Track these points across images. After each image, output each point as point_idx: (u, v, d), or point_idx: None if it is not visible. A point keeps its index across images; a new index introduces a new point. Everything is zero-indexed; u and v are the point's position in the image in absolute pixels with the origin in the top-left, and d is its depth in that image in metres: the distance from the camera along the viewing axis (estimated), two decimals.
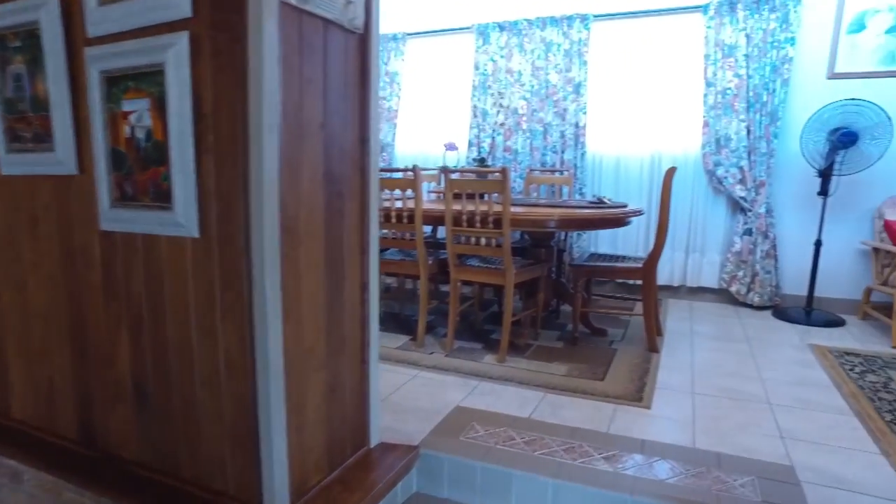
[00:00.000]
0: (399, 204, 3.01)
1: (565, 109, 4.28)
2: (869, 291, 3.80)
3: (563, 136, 4.32)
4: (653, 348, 3.01)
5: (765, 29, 3.75)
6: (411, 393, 2.48)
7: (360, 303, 1.79)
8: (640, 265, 3.00)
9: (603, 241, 4.46)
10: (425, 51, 4.85)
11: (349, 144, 1.66)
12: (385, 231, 3.08)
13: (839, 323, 3.72)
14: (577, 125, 4.26)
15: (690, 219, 4.17)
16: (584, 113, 4.23)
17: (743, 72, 3.81)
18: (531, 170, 4.29)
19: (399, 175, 3.35)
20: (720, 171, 3.96)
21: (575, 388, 2.53)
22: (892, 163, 3.76)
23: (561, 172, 4.27)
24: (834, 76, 3.81)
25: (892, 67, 3.71)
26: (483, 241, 2.79)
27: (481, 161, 3.71)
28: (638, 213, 2.97)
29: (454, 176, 2.90)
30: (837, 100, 3.50)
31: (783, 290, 4.08)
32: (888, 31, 3.68)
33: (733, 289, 4.07)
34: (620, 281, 4.43)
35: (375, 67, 1.70)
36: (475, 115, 4.62)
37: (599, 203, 3.10)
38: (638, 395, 2.45)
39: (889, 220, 3.46)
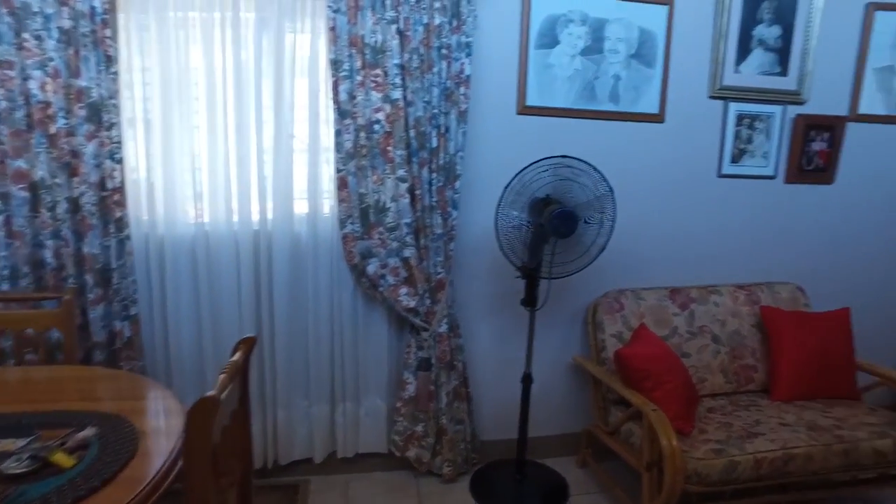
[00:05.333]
0: None
1: (75, 153, 2.04)
2: (589, 434, 2.58)
3: (74, 207, 2.07)
4: None
5: (427, 24, 2.16)
6: None
7: None
8: None
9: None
10: None
11: None
12: None
13: (562, 494, 2.41)
14: (102, 185, 2.07)
15: (335, 345, 2.40)
16: (118, 161, 2.06)
17: (399, 95, 2.15)
18: None
19: None
20: (373, 268, 2.26)
21: None
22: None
23: (55, 301, 1.99)
24: (526, 111, 2.46)
25: (591, 106, 2.52)
26: None
27: None
28: None
29: None
30: (547, 157, 2.10)
31: (483, 437, 2.64)
32: (583, 53, 2.46)
33: (412, 454, 2.44)
34: None
35: None
36: None
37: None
38: None
39: (622, 350, 2.21)
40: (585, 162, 2.09)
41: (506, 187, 2.08)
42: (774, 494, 2.14)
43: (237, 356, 1.11)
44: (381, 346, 2.41)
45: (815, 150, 2.81)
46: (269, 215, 2.25)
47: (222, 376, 1.05)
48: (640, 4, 2.45)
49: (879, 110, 2.87)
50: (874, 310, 3.02)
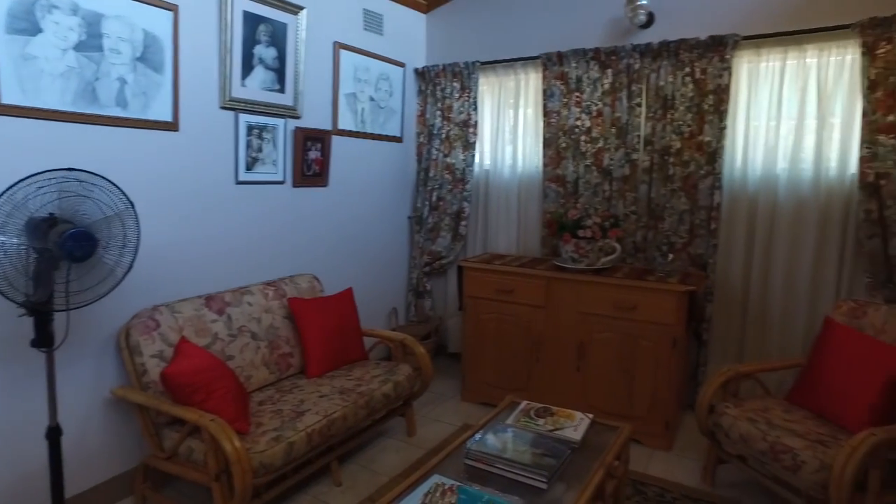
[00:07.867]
0: None
1: None
2: (146, 467, 2.37)
3: None
4: None
5: None
6: None
7: None
8: None
9: None
10: None
11: None
12: None
13: None
14: None
15: None
16: None
17: None
18: None
19: None
20: None
21: None
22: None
23: None
24: (4, 111, 2.00)
25: (94, 110, 2.25)
26: None
27: None
28: None
29: None
30: (47, 170, 1.76)
31: None
32: (78, 49, 2.17)
33: None
34: None
35: None
36: None
37: None
38: None
39: (166, 370, 2.10)
40: (99, 175, 1.87)
41: None
42: (324, 457, 2.48)
43: None
44: None
45: (312, 158, 3.30)
46: None
47: None
48: (142, 5, 2.32)
49: (350, 126, 3.58)
50: (369, 284, 3.80)
